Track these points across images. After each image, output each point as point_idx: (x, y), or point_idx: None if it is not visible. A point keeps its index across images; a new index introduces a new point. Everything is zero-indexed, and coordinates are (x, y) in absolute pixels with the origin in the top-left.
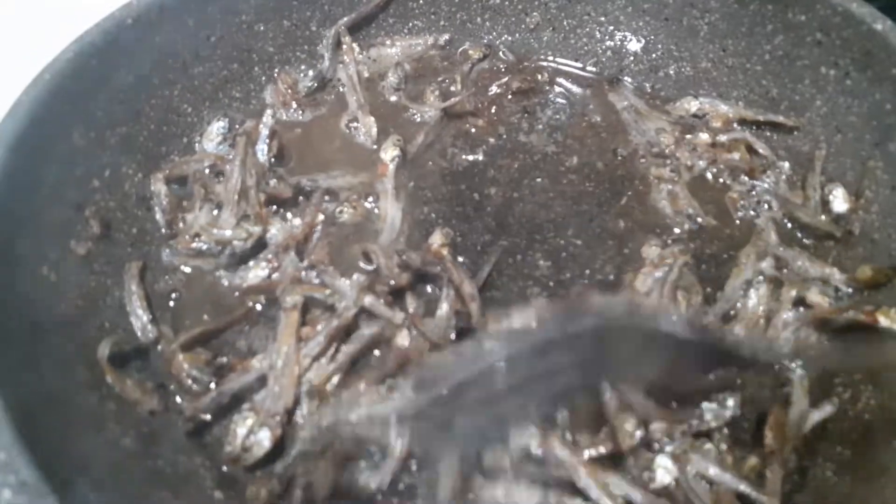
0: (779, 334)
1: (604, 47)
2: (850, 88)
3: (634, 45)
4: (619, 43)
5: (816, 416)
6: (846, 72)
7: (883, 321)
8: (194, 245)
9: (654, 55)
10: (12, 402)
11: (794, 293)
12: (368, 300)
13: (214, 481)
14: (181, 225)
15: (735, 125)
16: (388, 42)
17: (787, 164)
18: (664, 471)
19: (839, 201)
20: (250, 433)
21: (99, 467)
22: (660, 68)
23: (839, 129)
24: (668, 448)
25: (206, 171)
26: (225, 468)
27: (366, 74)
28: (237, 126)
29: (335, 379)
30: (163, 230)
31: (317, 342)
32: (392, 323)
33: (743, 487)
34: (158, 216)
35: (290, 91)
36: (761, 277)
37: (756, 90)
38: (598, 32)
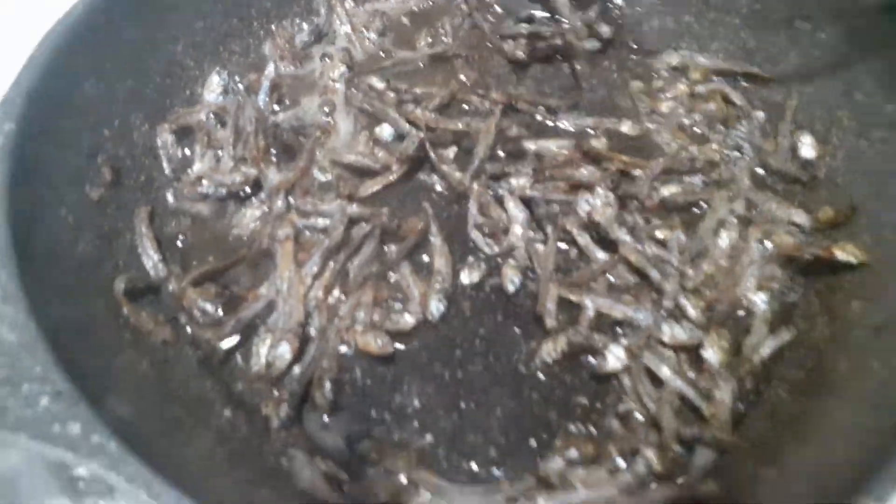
0: (745, 271)
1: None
2: (821, 41)
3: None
4: None
5: (774, 342)
6: (818, 25)
7: (839, 255)
8: (198, 190)
9: (638, 9)
10: (44, 326)
11: (759, 233)
12: (353, 209)
13: (223, 402)
14: (188, 173)
15: (713, 77)
16: None
17: (761, 114)
18: (614, 357)
19: (807, 148)
20: (271, 349)
21: (119, 386)
22: (644, 22)
23: (810, 79)
24: (625, 341)
25: (211, 118)
26: (236, 388)
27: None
28: (237, 77)
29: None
30: (170, 178)
31: (313, 263)
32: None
33: (691, 393)
34: (165, 165)
35: (287, 45)
36: (734, 220)
37: (735, 42)
38: None
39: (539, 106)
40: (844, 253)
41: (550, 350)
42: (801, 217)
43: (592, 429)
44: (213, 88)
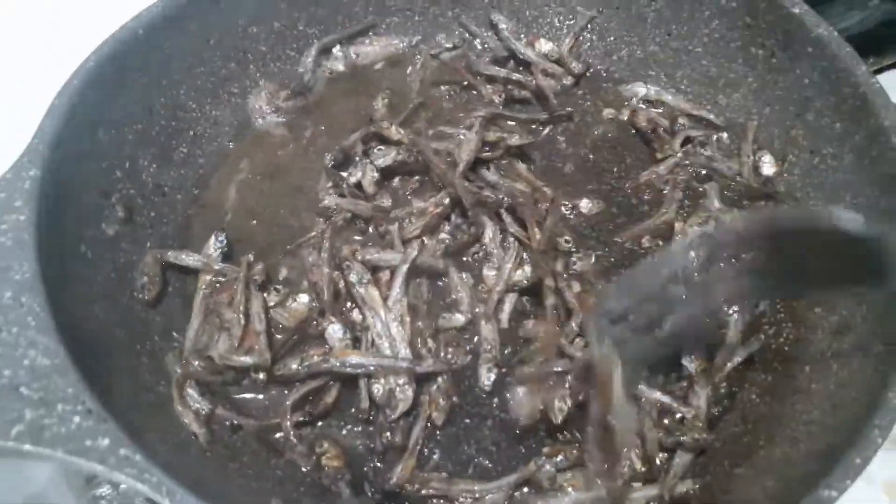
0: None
1: (563, 34)
2: (775, 66)
3: (589, 33)
4: (576, 30)
5: (745, 350)
6: (772, 51)
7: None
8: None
9: (608, 40)
10: (73, 352)
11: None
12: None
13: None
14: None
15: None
16: (367, 41)
17: (725, 135)
18: None
19: (768, 166)
20: (391, 392)
21: (139, 406)
22: (613, 52)
23: (767, 102)
24: None
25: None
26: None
27: (341, 68)
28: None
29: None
30: (144, 300)
31: (395, 294)
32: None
33: (668, 400)
34: (137, 288)
35: (272, 98)
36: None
37: (697, 69)
38: (556, 22)
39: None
40: None
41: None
42: None
43: (578, 435)
44: (211, 251)
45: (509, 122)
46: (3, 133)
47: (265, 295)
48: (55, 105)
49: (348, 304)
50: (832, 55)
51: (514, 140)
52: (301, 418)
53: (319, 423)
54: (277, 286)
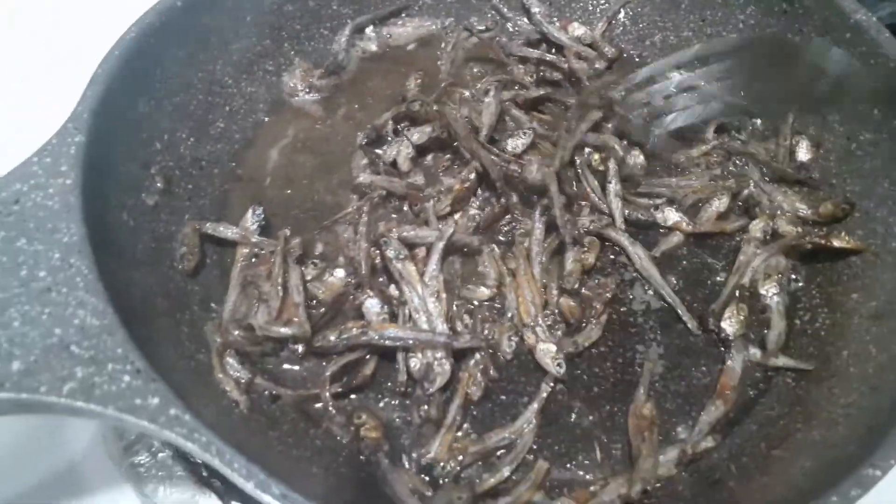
0: (753, 259)
1: (596, 19)
2: None
3: (623, 17)
4: (609, 15)
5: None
6: (809, 37)
7: (836, 243)
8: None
9: (640, 25)
10: (120, 313)
11: (764, 220)
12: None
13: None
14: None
15: None
16: (399, 22)
17: (758, 121)
18: None
19: (803, 151)
20: (429, 366)
21: (181, 371)
22: (646, 37)
23: None
24: None
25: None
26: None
27: (374, 48)
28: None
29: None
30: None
31: (432, 269)
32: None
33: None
34: (177, 258)
35: (306, 75)
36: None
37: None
38: (590, 6)
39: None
40: (840, 241)
41: None
42: (804, 210)
43: None
44: (248, 223)
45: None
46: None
47: (302, 268)
48: (97, 74)
49: (385, 279)
50: (871, 40)
51: (532, 93)
52: (339, 389)
53: (357, 395)
54: (315, 260)
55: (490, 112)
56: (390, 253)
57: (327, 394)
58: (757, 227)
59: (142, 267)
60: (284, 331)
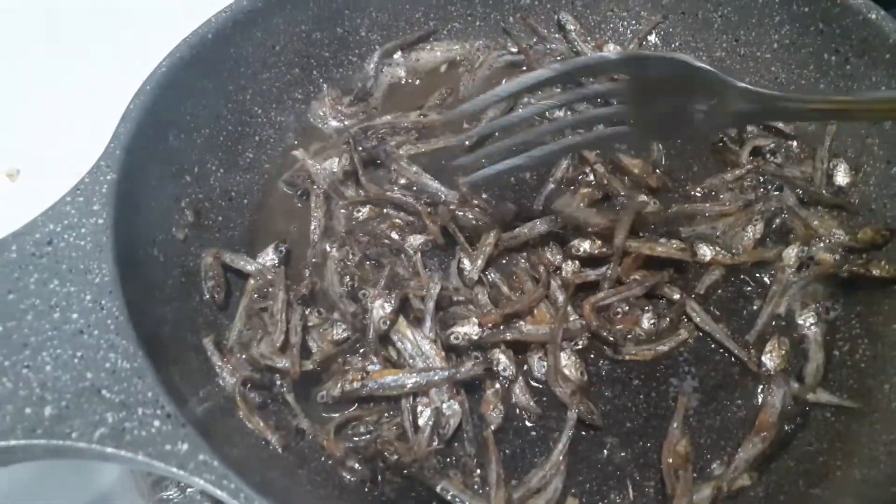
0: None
1: (626, 40)
2: (849, 72)
3: (655, 38)
4: (640, 35)
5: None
6: (846, 57)
7: (875, 271)
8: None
9: (672, 46)
10: (151, 356)
11: (799, 246)
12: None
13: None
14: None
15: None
16: (428, 46)
17: (794, 143)
18: None
19: (841, 175)
20: (438, 412)
21: (209, 411)
22: None
23: None
24: None
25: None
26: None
27: (402, 73)
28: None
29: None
30: (215, 301)
31: (428, 324)
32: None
33: None
34: (206, 291)
35: (335, 103)
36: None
37: (766, 76)
38: (621, 27)
39: None
40: (879, 270)
41: None
42: (841, 234)
43: None
44: (266, 259)
45: None
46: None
47: (307, 311)
48: (130, 110)
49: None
50: None
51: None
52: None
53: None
54: (320, 308)
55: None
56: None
57: (338, 454)
58: (791, 254)
59: (172, 302)
60: (279, 362)
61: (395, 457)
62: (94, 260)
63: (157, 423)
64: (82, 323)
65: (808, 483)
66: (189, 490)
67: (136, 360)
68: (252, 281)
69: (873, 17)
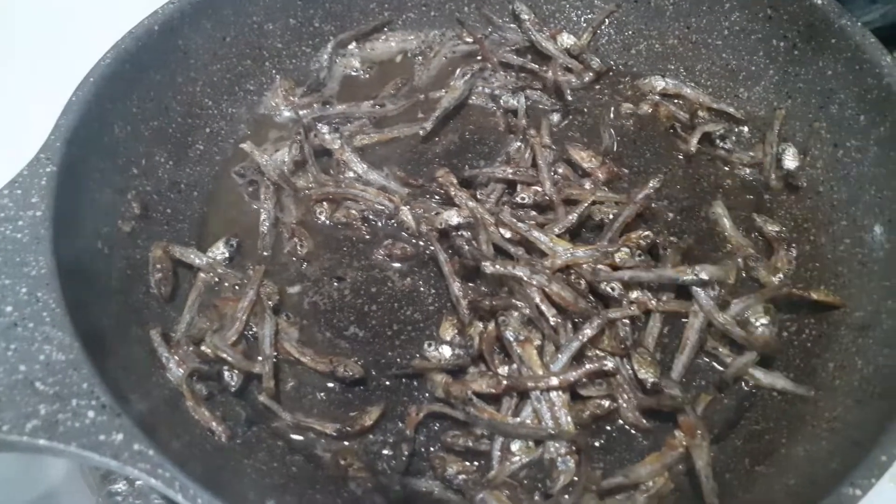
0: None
1: (581, 29)
2: (797, 58)
3: (608, 26)
4: (595, 24)
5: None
6: (794, 43)
7: (815, 296)
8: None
9: (626, 34)
10: (88, 347)
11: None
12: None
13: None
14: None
15: (698, 113)
16: (382, 37)
17: (745, 128)
18: None
19: (790, 159)
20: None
21: (152, 402)
22: (632, 46)
23: (789, 94)
24: None
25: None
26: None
27: (356, 64)
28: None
29: None
30: (161, 294)
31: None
32: None
33: None
34: (153, 284)
35: (287, 94)
36: None
37: (717, 63)
38: (574, 16)
39: None
40: (819, 294)
41: None
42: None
43: None
44: (217, 253)
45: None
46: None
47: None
48: (72, 102)
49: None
50: (856, 46)
51: None
52: (334, 435)
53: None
54: (289, 313)
55: (453, 97)
56: (510, 335)
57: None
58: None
59: (116, 294)
60: (242, 363)
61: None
62: (30, 253)
63: (91, 413)
64: (16, 316)
65: (754, 461)
66: (138, 483)
67: (73, 351)
68: (202, 274)
69: (819, 2)
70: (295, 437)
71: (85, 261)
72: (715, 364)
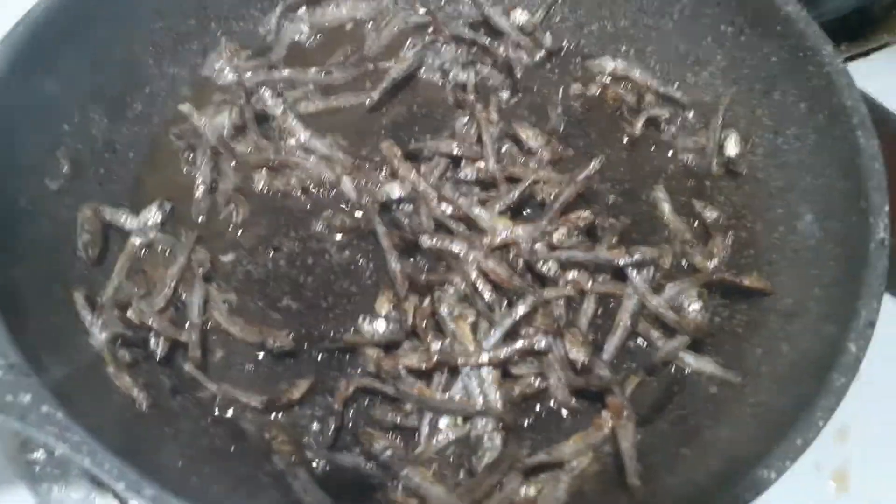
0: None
1: (535, 5)
2: (743, 44)
3: (562, 5)
4: (549, 2)
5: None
6: (740, 29)
7: (747, 282)
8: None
9: (579, 13)
10: (1, 306)
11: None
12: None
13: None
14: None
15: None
16: (333, 3)
17: (690, 114)
18: None
19: (732, 146)
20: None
21: (71, 365)
22: (584, 26)
23: (735, 80)
24: None
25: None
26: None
27: (305, 29)
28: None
29: None
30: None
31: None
32: None
33: None
34: (80, 246)
35: (232, 57)
36: None
37: (668, 46)
38: None
39: None
40: (751, 280)
41: None
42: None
43: None
44: (150, 215)
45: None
46: None
47: (209, 287)
48: None
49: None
50: (799, 33)
51: None
52: (260, 407)
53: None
54: (220, 282)
55: (401, 68)
56: (444, 310)
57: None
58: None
59: (39, 255)
60: (168, 330)
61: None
62: None
63: None
64: None
65: (679, 443)
66: (58, 452)
67: None
68: (133, 238)
69: None
70: (220, 408)
71: (5, 219)
72: (646, 347)
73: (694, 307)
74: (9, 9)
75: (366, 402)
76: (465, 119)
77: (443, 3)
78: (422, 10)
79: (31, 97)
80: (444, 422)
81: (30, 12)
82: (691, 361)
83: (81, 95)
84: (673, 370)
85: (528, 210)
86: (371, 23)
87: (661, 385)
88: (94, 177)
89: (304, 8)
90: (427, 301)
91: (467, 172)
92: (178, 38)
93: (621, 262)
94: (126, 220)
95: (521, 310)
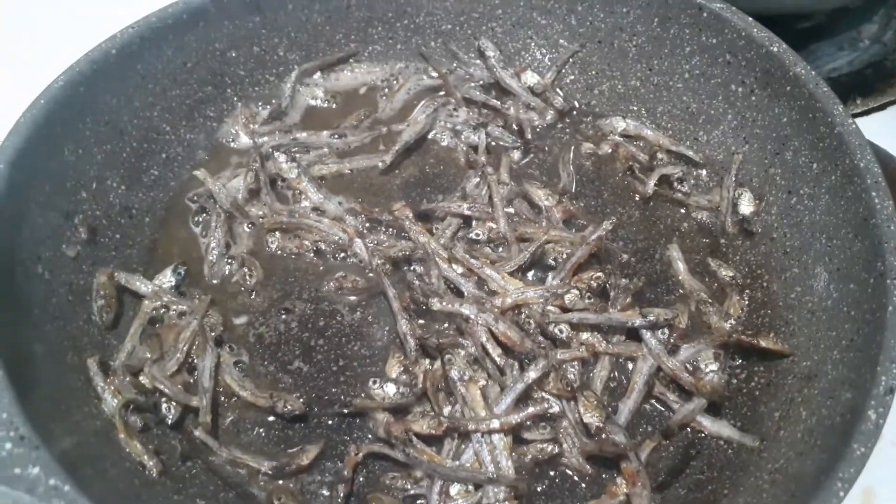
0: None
1: (545, 67)
2: (754, 104)
3: (572, 66)
4: (559, 64)
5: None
6: (751, 89)
7: (763, 343)
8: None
9: (589, 74)
10: (13, 375)
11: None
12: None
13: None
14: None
15: (657, 155)
16: (347, 69)
17: (703, 172)
18: None
19: (746, 204)
20: None
21: (80, 433)
22: (594, 86)
23: (746, 139)
24: None
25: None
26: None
27: (320, 94)
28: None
29: None
30: (102, 322)
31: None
32: None
33: None
34: (95, 311)
35: (248, 122)
36: None
37: (678, 105)
38: (539, 55)
39: None
40: (767, 342)
41: None
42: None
43: None
44: (165, 280)
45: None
46: None
47: (219, 351)
48: (20, 123)
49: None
50: (809, 94)
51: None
52: (270, 473)
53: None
54: (232, 344)
55: (414, 131)
56: (454, 374)
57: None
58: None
59: (55, 321)
60: (180, 395)
61: None
62: None
63: (8, 445)
64: None
65: None
66: None
67: None
68: (147, 302)
69: (775, 49)
70: (230, 473)
71: (20, 285)
72: (662, 409)
73: (711, 368)
74: (31, 84)
75: (376, 468)
76: (477, 179)
77: (454, 66)
78: (433, 73)
79: (52, 166)
80: (454, 489)
81: (51, 86)
82: (708, 425)
83: (99, 163)
84: (689, 433)
85: (540, 272)
86: (385, 87)
87: (678, 449)
88: (110, 242)
89: (319, 73)
90: (437, 364)
91: (479, 232)
92: (195, 104)
93: (636, 324)
94: (140, 284)
95: (532, 374)
